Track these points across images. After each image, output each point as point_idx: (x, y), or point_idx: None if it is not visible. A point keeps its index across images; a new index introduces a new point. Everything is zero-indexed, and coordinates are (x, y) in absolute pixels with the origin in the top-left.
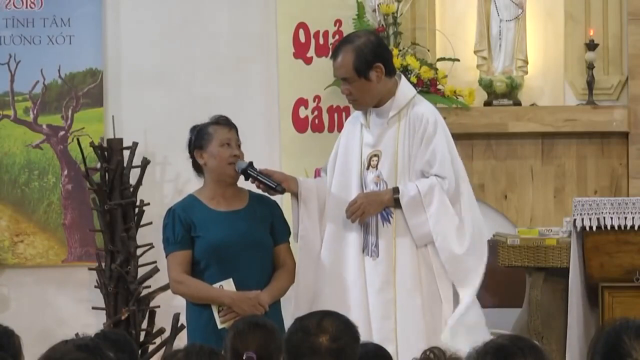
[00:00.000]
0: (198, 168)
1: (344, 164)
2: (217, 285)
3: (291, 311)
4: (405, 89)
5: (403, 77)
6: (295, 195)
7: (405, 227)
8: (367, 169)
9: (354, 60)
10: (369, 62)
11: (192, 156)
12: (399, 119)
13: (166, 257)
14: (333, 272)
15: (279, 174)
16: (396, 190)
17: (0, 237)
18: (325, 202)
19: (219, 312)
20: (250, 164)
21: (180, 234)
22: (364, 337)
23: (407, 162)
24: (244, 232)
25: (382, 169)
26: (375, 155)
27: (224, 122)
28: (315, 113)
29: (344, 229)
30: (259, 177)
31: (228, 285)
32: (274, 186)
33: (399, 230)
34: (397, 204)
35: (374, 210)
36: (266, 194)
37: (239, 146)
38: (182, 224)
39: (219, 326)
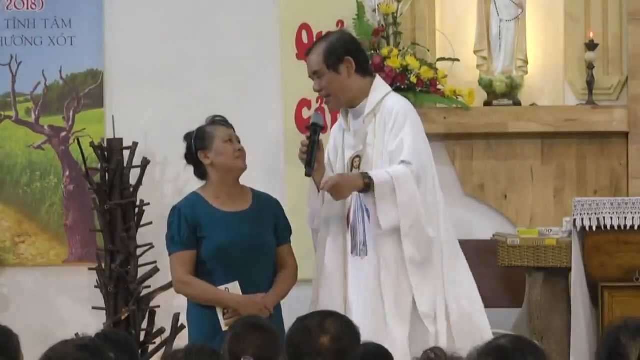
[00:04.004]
0: (200, 174)
1: (333, 170)
2: (222, 287)
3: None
4: (378, 86)
5: (378, 77)
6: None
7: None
8: (351, 170)
9: (324, 52)
10: (339, 55)
11: (193, 162)
12: (374, 116)
13: (169, 255)
14: (324, 273)
15: (321, 155)
16: (366, 175)
17: (2, 237)
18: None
19: (223, 314)
20: (320, 127)
21: (185, 234)
22: None
23: (384, 157)
24: (250, 235)
25: (364, 168)
26: (357, 157)
27: (220, 121)
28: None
29: (334, 232)
30: (313, 147)
31: (234, 288)
32: (309, 164)
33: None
34: (367, 188)
35: (346, 191)
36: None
37: (239, 142)
38: (188, 223)
39: (224, 328)
